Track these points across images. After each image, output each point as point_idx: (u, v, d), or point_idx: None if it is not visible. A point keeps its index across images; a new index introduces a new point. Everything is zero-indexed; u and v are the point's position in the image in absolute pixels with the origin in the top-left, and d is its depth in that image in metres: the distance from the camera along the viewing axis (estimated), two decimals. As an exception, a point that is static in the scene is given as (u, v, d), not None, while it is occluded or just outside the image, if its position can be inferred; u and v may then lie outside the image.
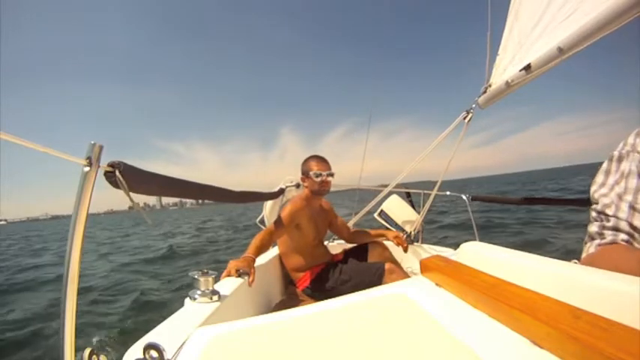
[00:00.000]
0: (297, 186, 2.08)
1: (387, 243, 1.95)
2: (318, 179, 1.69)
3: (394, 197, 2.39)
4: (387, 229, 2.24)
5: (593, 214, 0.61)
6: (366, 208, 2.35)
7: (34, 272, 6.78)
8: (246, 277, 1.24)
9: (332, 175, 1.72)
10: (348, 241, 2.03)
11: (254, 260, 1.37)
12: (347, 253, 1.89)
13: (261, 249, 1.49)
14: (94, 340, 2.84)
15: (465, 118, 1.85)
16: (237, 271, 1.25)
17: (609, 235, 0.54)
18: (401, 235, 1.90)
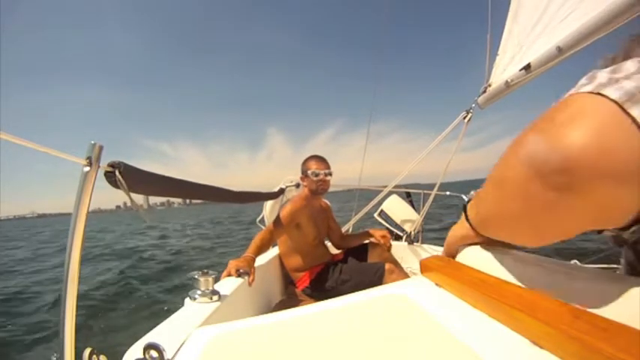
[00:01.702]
0: (297, 186, 2.08)
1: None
2: (316, 178, 1.69)
3: (394, 197, 2.39)
4: (387, 229, 2.24)
5: None
6: (366, 209, 2.36)
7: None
8: (246, 277, 1.24)
9: (330, 174, 1.73)
10: (337, 246, 2.02)
11: (254, 260, 1.37)
12: (347, 253, 1.89)
13: (262, 248, 1.49)
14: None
15: (464, 118, 1.85)
16: (237, 270, 1.25)
17: None
18: (387, 234, 1.91)
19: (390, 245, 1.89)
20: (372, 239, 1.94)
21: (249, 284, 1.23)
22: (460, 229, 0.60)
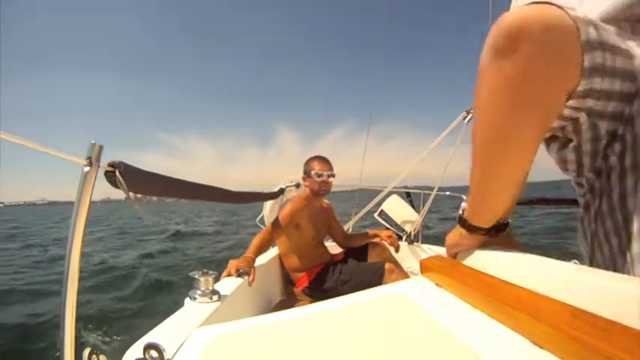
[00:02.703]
0: (297, 186, 2.08)
1: (386, 243, 1.95)
2: (319, 179, 1.69)
3: (394, 197, 2.40)
4: (387, 229, 2.24)
5: None
6: (366, 208, 2.36)
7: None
8: (246, 277, 1.24)
9: (333, 175, 1.73)
10: (341, 246, 2.02)
11: (254, 260, 1.37)
12: (346, 253, 1.89)
13: (262, 249, 1.49)
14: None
15: (464, 119, 1.85)
16: (237, 270, 1.25)
17: None
18: (394, 235, 1.90)
19: (399, 246, 1.88)
20: (376, 239, 1.93)
21: (249, 284, 1.23)
22: (456, 236, 0.63)
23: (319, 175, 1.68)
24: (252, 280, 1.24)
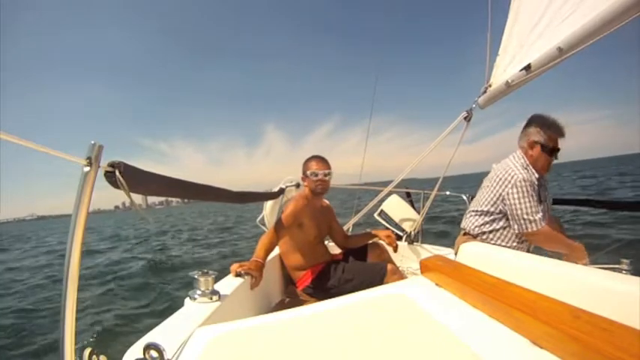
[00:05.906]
0: (297, 186, 2.07)
1: (384, 243, 1.95)
2: (315, 178, 1.69)
3: (394, 197, 2.39)
4: (387, 229, 2.24)
5: None
6: (366, 209, 2.36)
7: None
8: (246, 277, 1.25)
9: (329, 174, 1.73)
10: (341, 247, 2.01)
11: (263, 265, 1.37)
12: (347, 253, 1.89)
13: (269, 251, 1.49)
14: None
15: (465, 118, 1.85)
16: (237, 271, 1.26)
17: None
18: (392, 235, 1.90)
19: (397, 245, 1.88)
20: (375, 239, 1.93)
21: (252, 288, 1.24)
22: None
23: (315, 175, 1.69)
24: (255, 285, 1.25)
